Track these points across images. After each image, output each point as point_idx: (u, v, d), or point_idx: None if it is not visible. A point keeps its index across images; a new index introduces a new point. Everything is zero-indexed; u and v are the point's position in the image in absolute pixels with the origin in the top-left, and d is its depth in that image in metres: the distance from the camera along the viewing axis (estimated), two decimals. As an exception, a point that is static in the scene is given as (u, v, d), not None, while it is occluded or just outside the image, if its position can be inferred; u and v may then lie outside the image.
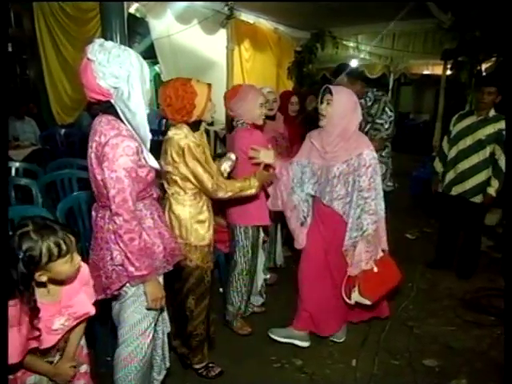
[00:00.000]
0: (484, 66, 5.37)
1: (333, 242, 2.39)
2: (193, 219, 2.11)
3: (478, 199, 3.40)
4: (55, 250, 1.26)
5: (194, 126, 2.11)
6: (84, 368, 1.63)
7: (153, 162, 1.66)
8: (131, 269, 1.60)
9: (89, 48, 1.50)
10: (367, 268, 2.27)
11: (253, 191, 2.23)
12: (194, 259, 2.13)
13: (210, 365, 2.34)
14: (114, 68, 1.49)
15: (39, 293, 1.33)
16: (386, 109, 3.21)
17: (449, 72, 6.29)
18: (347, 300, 2.34)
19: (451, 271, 3.69)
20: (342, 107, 2.23)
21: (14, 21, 6.04)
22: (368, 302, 2.33)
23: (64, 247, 1.28)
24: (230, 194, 2.13)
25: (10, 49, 6.20)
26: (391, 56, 7.59)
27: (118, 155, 1.51)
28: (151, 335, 1.82)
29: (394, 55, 7.49)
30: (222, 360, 2.42)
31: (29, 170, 3.58)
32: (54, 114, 5.83)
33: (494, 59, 5.23)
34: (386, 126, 3.23)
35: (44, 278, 1.28)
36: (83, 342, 1.63)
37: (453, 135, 3.54)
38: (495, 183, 3.30)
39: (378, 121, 3.19)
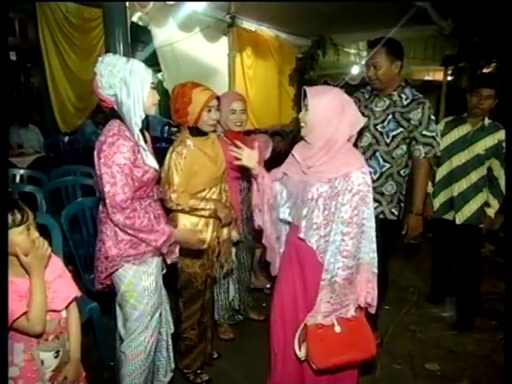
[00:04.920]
0: (484, 72, 5.40)
1: (306, 285, 1.82)
2: (184, 219, 2.09)
3: (480, 223, 2.88)
4: (9, 218, 1.30)
5: (197, 131, 2.10)
6: None
7: (151, 161, 1.76)
8: (153, 244, 1.75)
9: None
10: (325, 323, 1.66)
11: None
12: (179, 261, 2.13)
13: (199, 371, 2.33)
14: (108, 78, 1.66)
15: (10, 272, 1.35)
16: (432, 117, 2.31)
17: (449, 78, 6.33)
18: (297, 351, 1.74)
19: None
20: (320, 113, 1.68)
21: (19, 30, 6.10)
22: (313, 366, 1.69)
23: (18, 216, 1.32)
24: (180, 207, 2.01)
25: (14, 57, 6.26)
26: (392, 62, 7.64)
27: (113, 152, 1.64)
28: (154, 334, 1.88)
29: (395, 61, 7.55)
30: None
31: (33, 177, 3.62)
32: (58, 121, 5.90)
33: (494, 65, 5.25)
34: (438, 140, 2.36)
35: None
36: None
37: (443, 148, 2.82)
38: (495, 203, 2.82)
39: (428, 133, 2.28)
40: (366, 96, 2.50)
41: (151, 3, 4.63)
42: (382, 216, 2.43)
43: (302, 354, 1.73)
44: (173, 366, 2.12)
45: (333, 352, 1.67)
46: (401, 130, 2.31)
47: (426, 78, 9.39)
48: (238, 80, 6.42)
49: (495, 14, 4.71)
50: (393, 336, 2.79)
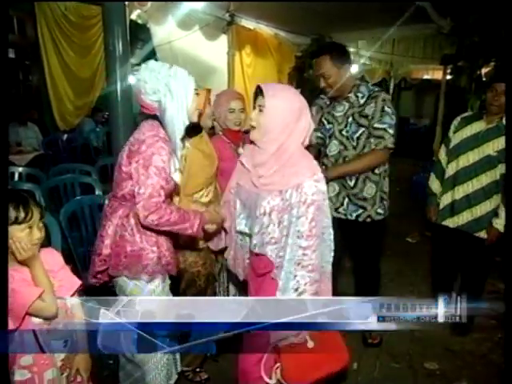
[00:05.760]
0: (483, 71, 5.40)
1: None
2: None
3: (484, 234, 2.56)
4: (12, 214, 1.30)
5: (193, 132, 2.08)
6: None
7: (175, 175, 1.75)
8: (189, 231, 1.74)
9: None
10: (299, 341, 1.55)
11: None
12: (181, 261, 2.12)
13: (198, 369, 2.32)
14: (153, 84, 1.65)
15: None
16: (387, 108, 2.26)
17: (448, 77, 6.34)
18: (266, 379, 1.60)
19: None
20: (278, 116, 1.54)
21: (17, 27, 6.10)
22: None
23: (22, 214, 1.32)
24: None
25: (12, 55, 6.25)
26: (391, 61, 7.65)
27: (151, 153, 1.63)
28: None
29: (394, 60, 7.55)
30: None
31: (32, 174, 3.62)
32: (57, 119, 5.88)
33: (492, 64, 5.26)
34: (391, 132, 2.27)
35: None
36: None
37: (452, 146, 2.62)
38: (504, 214, 2.42)
39: (379, 125, 2.25)
40: (328, 102, 2.48)
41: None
42: (368, 220, 2.40)
43: (273, 381, 1.60)
44: (179, 368, 2.06)
45: (309, 368, 1.59)
46: (362, 129, 2.30)
47: (425, 76, 9.45)
48: (237, 78, 6.42)
49: (494, 12, 4.71)
50: (392, 335, 2.78)
